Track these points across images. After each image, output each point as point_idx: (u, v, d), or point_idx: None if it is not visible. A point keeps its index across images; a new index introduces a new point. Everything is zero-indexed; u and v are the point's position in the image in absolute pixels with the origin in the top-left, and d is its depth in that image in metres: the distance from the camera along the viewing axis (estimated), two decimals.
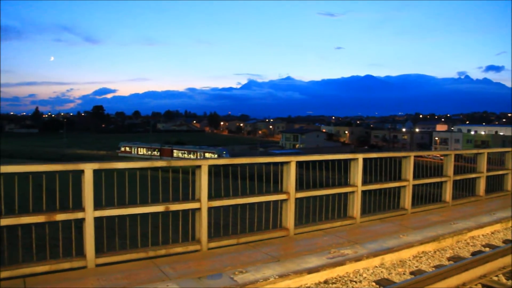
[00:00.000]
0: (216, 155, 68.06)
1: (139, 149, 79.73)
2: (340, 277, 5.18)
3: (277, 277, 4.74)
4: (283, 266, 5.06)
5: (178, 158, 71.00)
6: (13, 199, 4.71)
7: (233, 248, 5.80)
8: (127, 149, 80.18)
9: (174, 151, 76.02)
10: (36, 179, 4.91)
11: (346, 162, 7.27)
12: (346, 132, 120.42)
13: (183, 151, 75.39)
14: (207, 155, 70.30)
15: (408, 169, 8.05)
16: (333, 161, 7.09)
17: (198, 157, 69.32)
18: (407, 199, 8.07)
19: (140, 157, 72.68)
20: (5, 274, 4.51)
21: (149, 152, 77.97)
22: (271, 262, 5.23)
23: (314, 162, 6.82)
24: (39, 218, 4.73)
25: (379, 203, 8.04)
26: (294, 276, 4.84)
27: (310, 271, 5.00)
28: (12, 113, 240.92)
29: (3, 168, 4.69)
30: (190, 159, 5.93)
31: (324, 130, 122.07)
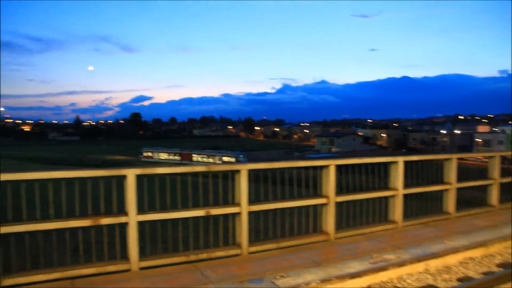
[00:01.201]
0: (233, 159, 69.45)
1: (160, 154, 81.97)
2: (383, 282, 5.08)
3: (318, 282, 4.69)
4: (325, 271, 5.01)
5: (198, 162, 73.57)
6: (61, 204, 4.90)
7: (273, 253, 5.79)
8: (149, 154, 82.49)
9: (193, 155, 77.94)
10: (82, 185, 5.08)
11: (386, 165, 7.13)
12: (383, 135, 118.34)
13: (202, 155, 77.18)
14: (224, 158, 71.65)
15: (451, 171, 7.82)
16: (372, 164, 6.97)
17: (216, 161, 71.88)
18: (450, 202, 7.84)
19: (161, 162, 75.63)
20: (55, 275, 4.70)
21: (170, 157, 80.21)
22: (312, 266, 5.18)
23: (353, 165, 6.74)
24: (86, 222, 4.90)
25: (421, 207, 7.84)
26: (336, 281, 4.78)
27: (352, 276, 4.93)
28: (55, 121, 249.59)
29: (51, 174, 4.89)
30: (228, 163, 5.91)
31: (360, 133, 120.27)
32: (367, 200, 6.85)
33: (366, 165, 6.90)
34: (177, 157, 79.12)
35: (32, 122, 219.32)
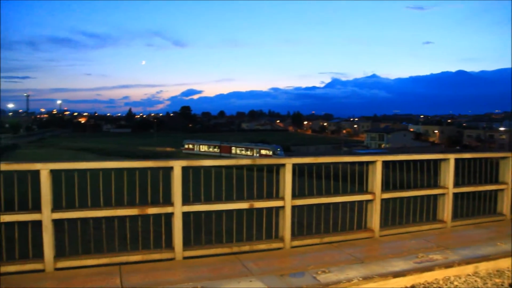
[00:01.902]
0: (270, 152, 70.03)
1: (200, 146, 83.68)
2: (428, 283, 4.93)
3: (360, 279, 4.63)
4: (368, 268, 4.93)
5: (236, 155, 74.85)
6: (110, 193, 5.11)
7: (316, 248, 5.76)
8: (190, 146, 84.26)
9: (232, 148, 78.84)
10: (130, 176, 5.27)
11: (436, 162, 6.90)
12: (436, 131, 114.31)
13: (240, 148, 78.10)
14: (262, 151, 72.25)
15: (507, 171, 7.45)
16: (421, 161, 6.76)
17: (254, 154, 73.00)
18: (505, 204, 7.47)
19: (201, 154, 77.89)
20: (104, 260, 4.93)
21: (210, 149, 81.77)
22: (355, 263, 5.12)
23: (401, 162, 6.57)
24: (133, 211, 5.09)
25: (473, 207, 7.52)
26: (378, 279, 4.70)
27: (396, 274, 4.82)
28: (108, 114, 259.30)
29: (102, 164, 5.12)
30: (273, 157, 5.92)
31: (411, 130, 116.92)
32: (415, 198, 6.66)
33: (414, 161, 6.71)
34: (216, 150, 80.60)
35: (87, 114, 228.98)
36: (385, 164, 6.37)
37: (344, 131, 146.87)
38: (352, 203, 6.24)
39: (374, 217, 6.22)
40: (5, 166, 4.76)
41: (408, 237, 6.30)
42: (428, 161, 6.79)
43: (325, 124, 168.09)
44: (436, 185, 6.92)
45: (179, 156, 67.76)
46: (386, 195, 6.34)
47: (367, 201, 6.27)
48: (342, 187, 6.22)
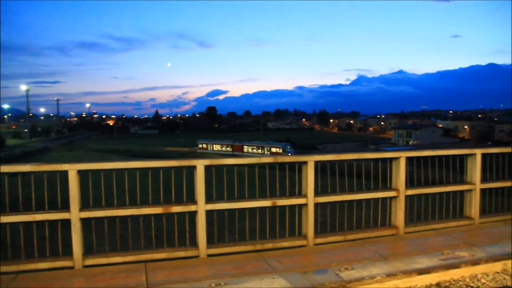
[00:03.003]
0: (280, 150, 71.31)
1: (214, 145, 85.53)
2: (454, 280, 4.85)
3: (384, 276, 4.60)
4: (391, 265, 4.89)
5: (248, 153, 75.89)
6: (135, 192, 5.23)
7: (339, 245, 5.75)
8: (204, 145, 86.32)
9: (244, 146, 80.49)
10: (155, 175, 5.38)
11: (462, 158, 6.77)
12: (466, 127, 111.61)
13: (252, 147, 79.63)
14: (272, 149, 73.72)
15: None
16: (447, 157, 6.64)
17: (265, 152, 73.94)
18: None
19: (214, 153, 78.67)
20: (130, 258, 5.06)
21: (222, 148, 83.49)
22: (378, 260, 5.08)
23: (425, 158, 6.47)
24: (158, 210, 5.20)
25: (502, 203, 7.34)
26: (402, 276, 4.65)
27: (421, 272, 4.77)
28: (135, 116, 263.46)
29: (127, 164, 5.26)
30: (295, 155, 5.95)
31: (440, 126, 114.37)
32: (440, 194, 6.56)
33: (440, 157, 6.59)
34: (229, 149, 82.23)
35: (115, 117, 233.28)
36: (410, 160, 6.29)
37: (370, 129, 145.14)
38: (376, 200, 6.19)
39: (399, 214, 6.15)
40: (35, 167, 4.96)
41: (433, 234, 6.21)
42: (454, 156, 6.67)
43: (351, 121, 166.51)
44: (462, 181, 6.79)
45: (193, 155, 69.25)
46: (411, 192, 6.26)
47: (391, 198, 6.21)
48: (365, 184, 6.18)
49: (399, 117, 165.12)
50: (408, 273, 4.70)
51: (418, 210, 6.46)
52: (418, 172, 6.47)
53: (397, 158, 6.17)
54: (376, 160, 6.53)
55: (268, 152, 73.17)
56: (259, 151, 76.50)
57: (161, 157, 62.32)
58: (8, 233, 4.91)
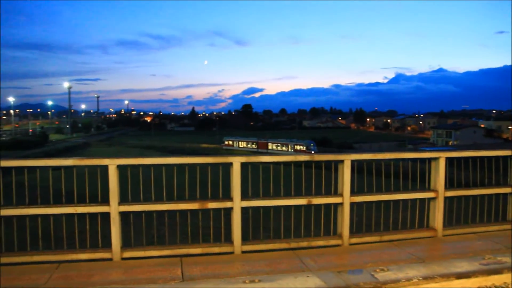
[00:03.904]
0: (304, 147, 71.90)
1: (239, 142, 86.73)
2: (495, 286, 4.68)
3: (421, 278, 4.49)
4: (429, 268, 4.77)
5: (272, 150, 76.50)
6: (172, 188, 5.33)
7: (375, 245, 5.67)
8: (230, 142, 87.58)
9: (269, 144, 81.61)
10: (191, 171, 5.47)
11: (506, 159, 6.52)
12: (510, 127, 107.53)
13: (276, 144, 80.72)
14: (296, 147, 74.52)
15: None
16: (489, 158, 6.42)
17: (289, 150, 74.69)
18: None
19: (240, 150, 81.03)
20: (166, 252, 5.17)
21: (248, 145, 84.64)
22: (415, 262, 4.97)
23: (466, 159, 6.28)
24: (194, 205, 5.28)
25: None
26: (440, 279, 4.54)
27: (459, 276, 4.63)
28: (172, 113, 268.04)
29: (165, 160, 5.37)
30: (332, 153, 5.92)
31: (482, 126, 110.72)
32: (482, 196, 6.35)
33: (482, 158, 6.38)
34: (254, 146, 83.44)
35: (153, 114, 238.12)
36: (450, 161, 6.13)
37: (408, 128, 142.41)
38: (414, 201, 6.06)
39: (437, 216, 6.00)
40: (77, 162, 5.15)
41: (473, 238, 6.02)
42: (497, 158, 6.44)
43: (388, 120, 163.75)
44: (506, 184, 6.55)
45: (219, 152, 72.18)
46: (450, 193, 6.10)
47: (430, 199, 6.06)
48: (403, 184, 6.06)
49: (439, 116, 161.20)
50: (446, 276, 4.58)
51: (457, 213, 6.28)
52: (458, 173, 6.29)
53: (436, 159, 6.02)
54: (414, 160, 6.38)
55: (292, 150, 74.36)
56: (283, 148, 77.74)
57: (188, 153, 64.31)
58: (52, 224, 5.10)
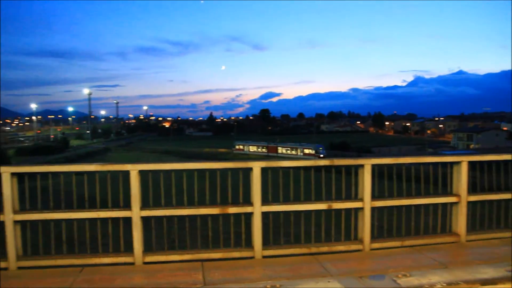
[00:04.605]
0: (313, 151, 73.11)
1: (250, 147, 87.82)
2: None
3: (444, 284, 4.43)
4: (452, 274, 4.70)
5: (282, 154, 78.31)
6: (193, 193, 5.37)
7: (396, 251, 5.61)
8: (240, 147, 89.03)
9: (278, 148, 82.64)
10: (212, 176, 5.50)
11: None
12: None
13: (286, 148, 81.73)
14: (305, 151, 75.57)
15: None
16: None
17: (298, 153, 75.17)
18: None
19: (250, 154, 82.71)
20: (187, 256, 5.21)
21: (258, 149, 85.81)
22: (438, 268, 4.90)
23: (489, 162, 6.17)
24: (214, 210, 5.31)
25: None
26: (464, 285, 4.46)
27: (484, 282, 4.54)
28: (190, 118, 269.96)
29: (187, 165, 5.43)
30: (351, 158, 5.91)
31: (505, 129, 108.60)
32: (506, 201, 6.22)
33: (506, 162, 6.26)
34: (264, 150, 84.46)
35: (171, 119, 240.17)
36: (472, 165, 6.03)
37: (428, 132, 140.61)
38: (436, 205, 5.98)
39: (460, 221, 5.91)
40: (100, 167, 5.23)
41: (498, 244, 5.89)
42: None
43: (407, 124, 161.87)
44: None
45: (231, 156, 74.28)
46: (473, 198, 6.00)
47: (452, 203, 5.97)
48: (424, 189, 5.98)
49: (459, 119, 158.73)
50: (471, 283, 4.49)
51: (481, 218, 6.16)
52: (481, 177, 6.18)
53: (458, 163, 5.93)
54: (435, 164, 6.29)
55: (301, 153, 75.30)
56: (293, 152, 78.73)
57: (204, 157, 65.49)
58: (76, 228, 5.19)
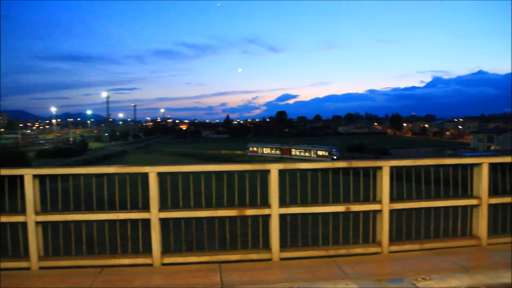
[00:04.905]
0: (326, 153, 73.63)
1: (264, 148, 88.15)
2: None
3: None
4: (473, 278, 4.62)
5: (296, 156, 78.57)
6: (211, 195, 5.40)
7: (415, 254, 5.54)
8: (254, 149, 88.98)
9: (292, 150, 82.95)
10: (229, 179, 5.52)
11: None
12: None
13: (299, 150, 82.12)
14: (319, 152, 76.19)
15: None
16: None
17: (312, 155, 76.05)
18: None
19: (264, 155, 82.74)
20: (205, 258, 5.23)
21: (272, 151, 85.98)
22: (458, 272, 4.83)
23: (511, 164, 6.06)
24: (232, 212, 5.33)
25: None
26: None
27: (506, 287, 4.46)
28: (207, 120, 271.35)
29: (205, 167, 5.50)
30: (369, 159, 5.90)
31: None
32: None
33: None
34: (278, 152, 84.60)
35: (188, 121, 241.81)
36: (493, 167, 5.93)
37: (447, 133, 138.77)
38: (455, 208, 5.90)
39: (481, 224, 5.81)
40: (119, 169, 5.31)
41: None
42: None
43: (426, 125, 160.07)
44: None
45: (245, 157, 75.98)
46: (495, 200, 5.89)
47: (472, 206, 5.88)
48: (444, 191, 5.91)
49: (479, 120, 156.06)
50: (492, 287, 4.43)
51: (503, 221, 6.06)
52: (502, 179, 6.08)
53: (479, 164, 5.84)
54: (455, 166, 6.20)
55: (315, 155, 76.06)
56: (306, 154, 79.17)
57: (221, 159, 66.40)
58: (95, 229, 5.27)
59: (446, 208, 5.86)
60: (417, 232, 5.77)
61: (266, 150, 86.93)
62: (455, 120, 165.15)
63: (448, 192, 5.97)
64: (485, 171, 5.80)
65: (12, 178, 5.12)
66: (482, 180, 5.79)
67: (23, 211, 5.06)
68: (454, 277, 4.63)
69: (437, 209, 5.83)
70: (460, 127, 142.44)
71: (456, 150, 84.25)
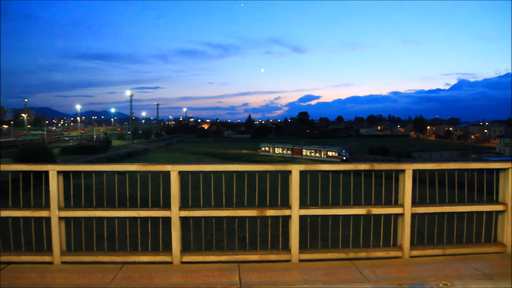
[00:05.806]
0: (336, 154, 74.74)
1: (275, 148, 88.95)
2: None
3: None
4: (497, 285, 4.51)
5: (306, 156, 79.48)
6: (231, 194, 5.41)
7: (437, 259, 5.44)
8: (266, 149, 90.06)
9: (303, 150, 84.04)
10: (250, 179, 5.53)
11: None
12: None
13: (310, 150, 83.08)
14: (329, 153, 77.29)
15: None
16: None
17: (322, 156, 76.96)
18: None
19: (276, 155, 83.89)
20: (224, 258, 5.24)
21: (283, 151, 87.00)
22: (482, 279, 4.72)
23: None
24: (252, 212, 5.33)
25: None
26: None
27: None
28: (229, 120, 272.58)
29: (226, 167, 5.53)
30: (392, 162, 5.83)
31: None
32: None
33: None
34: (289, 152, 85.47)
35: (210, 121, 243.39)
36: None
37: (472, 137, 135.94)
38: (480, 213, 5.77)
39: (506, 230, 5.66)
40: (141, 167, 5.38)
41: None
42: None
43: (450, 129, 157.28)
44: None
45: (256, 157, 76.91)
46: None
47: (497, 212, 5.74)
48: (467, 196, 5.79)
49: (506, 124, 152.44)
50: None
51: None
52: None
53: (506, 169, 5.70)
54: (480, 170, 6.07)
55: (325, 156, 77.27)
56: (317, 154, 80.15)
57: (240, 159, 68.33)
58: (116, 226, 5.33)
59: (470, 213, 5.74)
60: (439, 237, 5.67)
61: (278, 150, 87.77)
62: (481, 123, 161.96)
63: (472, 197, 5.85)
64: (511, 176, 5.66)
65: (37, 173, 5.22)
66: (509, 186, 5.65)
67: (47, 206, 5.16)
68: (478, 284, 4.54)
69: (460, 214, 5.72)
70: (485, 130, 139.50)
71: (481, 154, 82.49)
